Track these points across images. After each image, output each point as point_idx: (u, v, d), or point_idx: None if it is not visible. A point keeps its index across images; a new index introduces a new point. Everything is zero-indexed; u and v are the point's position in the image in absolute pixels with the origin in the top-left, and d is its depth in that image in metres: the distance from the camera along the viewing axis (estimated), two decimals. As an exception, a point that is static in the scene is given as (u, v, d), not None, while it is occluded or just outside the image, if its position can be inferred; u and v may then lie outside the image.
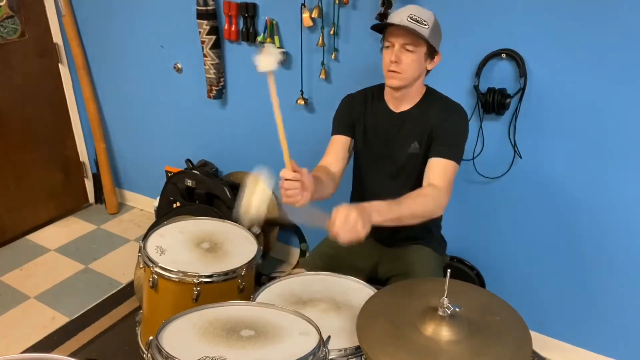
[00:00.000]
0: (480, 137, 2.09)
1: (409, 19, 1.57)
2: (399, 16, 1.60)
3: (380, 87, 1.79)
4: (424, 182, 1.65)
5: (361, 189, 1.92)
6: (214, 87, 2.62)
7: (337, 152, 1.81)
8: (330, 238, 1.40)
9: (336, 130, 1.85)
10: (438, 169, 1.63)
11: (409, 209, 1.51)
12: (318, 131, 2.47)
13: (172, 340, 1.28)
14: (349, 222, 1.33)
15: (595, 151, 1.90)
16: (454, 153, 1.66)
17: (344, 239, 1.35)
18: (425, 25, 1.58)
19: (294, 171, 1.51)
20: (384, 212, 1.44)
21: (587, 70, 1.82)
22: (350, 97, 1.88)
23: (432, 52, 1.65)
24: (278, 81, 2.53)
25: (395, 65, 1.61)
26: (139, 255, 1.79)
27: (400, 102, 1.74)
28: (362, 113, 1.84)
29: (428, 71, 1.71)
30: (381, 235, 1.85)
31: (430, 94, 1.75)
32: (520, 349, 1.22)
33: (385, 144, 1.78)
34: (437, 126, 1.68)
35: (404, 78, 1.63)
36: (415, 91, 1.72)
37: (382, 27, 1.65)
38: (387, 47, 1.64)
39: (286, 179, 1.51)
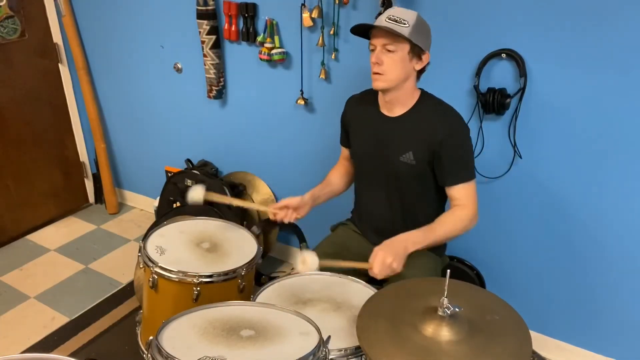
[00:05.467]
0: (480, 137, 2.09)
1: (387, 20, 1.59)
2: (379, 19, 1.62)
3: (377, 91, 1.79)
4: (452, 205, 1.73)
5: (357, 191, 1.93)
6: (214, 87, 2.62)
7: (343, 161, 2.00)
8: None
9: (340, 141, 1.99)
10: (463, 195, 1.70)
11: (443, 235, 1.69)
12: (318, 131, 2.47)
13: (172, 340, 1.28)
14: (386, 265, 1.55)
15: (595, 151, 1.90)
16: (470, 171, 1.70)
17: (381, 277, 1.58)
18: (404, 24, 1.57)
19: (275, 212, 1.81)
20: (419, 241, 1.64)
21: (587, 70, 1.82)
22: (348, 100, 1.90)
23: (417, 51, 1.64)
24: (279, 81, 2.55)
25: (377, 67, 1.62)
26: (139, 255, 1.79)
27: (392, 106, 1.73)
28: (354, 116, 1.85)
29: (419, 73, 1.70)
30: (381, 238, 1.86)
31: (424, 99, 1.73)
32: (520, 349, 1.22)
33: (376, 149, 1.77)
34: (441, 146, 1.65)
35: (387, 79, 1.63)
36: (407, 94, 1.70)
37: (365, 31, 1.67)
38: (372, 50, 1.65)
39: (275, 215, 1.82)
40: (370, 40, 1.66)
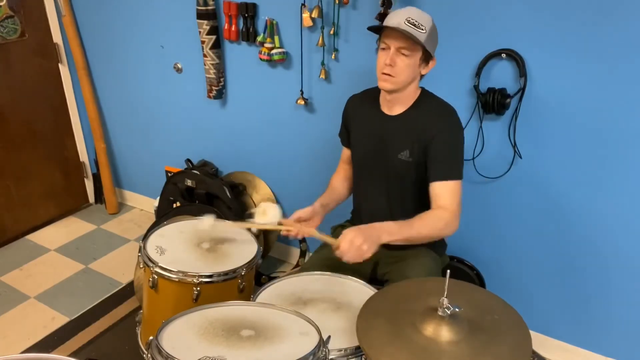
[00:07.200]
0: (480, 137, 2.09)
1: (406, 23, 1.55)
2: (397, 18, 1.58)
3: (377, 89, 1.78)
4: (433, 206, 1.65)
5: (356, 191, 1.93)
6: (214, 87, 2.62)
7: (343, 165, 1.98)
8: (336, 255, 1.51)
9: (341, 140, 1.97)
10: (446, 193, 1.63)
11: (419, 231, 1.57)
12: (318, 131, 2.47)
13: (172, 340, 1.28)
14: (354, 246, 1.43)
15: (595, 151, 1.90)
16: (456, 170, 1.65)
17: (349, 260, 1.45)
18: (422, 29, 1.56)
19: (289, 227, 1.67)
20: (394, 232, 1.52)
21: (587, 69, 1.82)
22: (349, 99, 1.90)
23: (427, 57, 1.64)
24: (279, 81, 2.55)
25: (389, 69, 1.60)
26: (139, 255, 1.79)
27: (393, 105, 1.73)
28: (355, 115, 1.85)
29: (422, 75, 1.70)
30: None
31: (424, 97, 1.73)
32: (520, 349, 1.22)
33: (375, 147, 1.77)
34: (432, 141, 1.64)
35: (397, 82, 1.63)
36: (409, 94, 1.70)
37: (380, 28, 1.64)
38: (383, 48, 1.63)
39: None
40: (383, 38, 1.63)
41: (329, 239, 1.54)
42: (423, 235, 1.60)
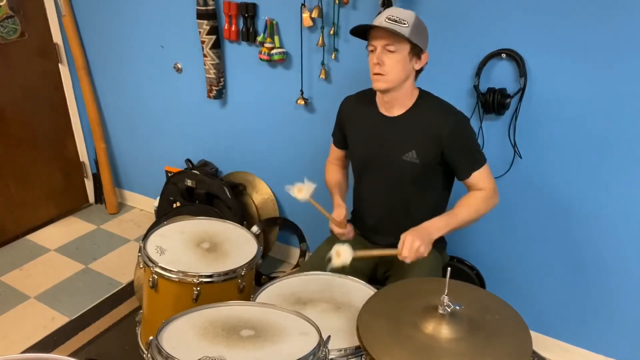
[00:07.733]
0: (480, 137, 2.09)
1: (387, 20, 1.58)
2: (378, 19, 1.62)
3: (373, 90, 1.78)
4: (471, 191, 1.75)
5: (357, 192, 1.93)
6: (214, 87, 2.62)
7: (334, 162, 2.01)
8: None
9: (333, 140, 1.98)
10: (479, 179, 1.71)
11: (463, 218, 1.68)
12: (318, 131, 2.47)
13: (172, 340, 1.28)
14: (413, 249, 1.56)
15: (595, 151, 1.90)
16: (480, 157, 1.71)
17: (410, 260, 1.58)
18: (404, 24, 1.58)
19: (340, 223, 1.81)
20: (442, 227, 1.65)
21: (587, 69, 1.82)
22: (344, 101, 1.90)
23: (417, 51, 1.64)
24: (279, 81, 2.55)
25: (378, 68, 1.62)
26: (139, 255, 1.80)
27: (391, 106, 1.73)
28: (351, 117, 1.85)
29: (418, 72, 1.70)
30: (382, 236, 1.86)
31: (424, 97, 1.73)
32: (520, 349, 1.22)
33: (377, 149, 1.77)
34: (447, 143, 1.66)
35: (389, 80, 1.63)
36: (406, 94, 1.70)
37: (363, 33, 1.66)
38: (371, 50, 1.65)
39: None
40: (369, 41, 1.65)
41: (391, 251, 1.61)
42: (468, 220, 1.69)
